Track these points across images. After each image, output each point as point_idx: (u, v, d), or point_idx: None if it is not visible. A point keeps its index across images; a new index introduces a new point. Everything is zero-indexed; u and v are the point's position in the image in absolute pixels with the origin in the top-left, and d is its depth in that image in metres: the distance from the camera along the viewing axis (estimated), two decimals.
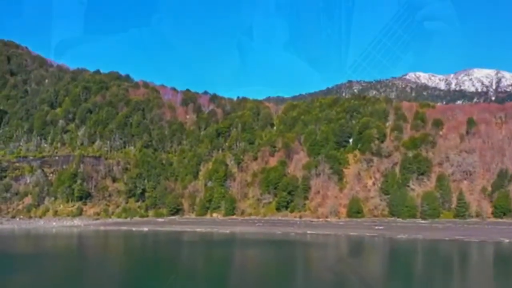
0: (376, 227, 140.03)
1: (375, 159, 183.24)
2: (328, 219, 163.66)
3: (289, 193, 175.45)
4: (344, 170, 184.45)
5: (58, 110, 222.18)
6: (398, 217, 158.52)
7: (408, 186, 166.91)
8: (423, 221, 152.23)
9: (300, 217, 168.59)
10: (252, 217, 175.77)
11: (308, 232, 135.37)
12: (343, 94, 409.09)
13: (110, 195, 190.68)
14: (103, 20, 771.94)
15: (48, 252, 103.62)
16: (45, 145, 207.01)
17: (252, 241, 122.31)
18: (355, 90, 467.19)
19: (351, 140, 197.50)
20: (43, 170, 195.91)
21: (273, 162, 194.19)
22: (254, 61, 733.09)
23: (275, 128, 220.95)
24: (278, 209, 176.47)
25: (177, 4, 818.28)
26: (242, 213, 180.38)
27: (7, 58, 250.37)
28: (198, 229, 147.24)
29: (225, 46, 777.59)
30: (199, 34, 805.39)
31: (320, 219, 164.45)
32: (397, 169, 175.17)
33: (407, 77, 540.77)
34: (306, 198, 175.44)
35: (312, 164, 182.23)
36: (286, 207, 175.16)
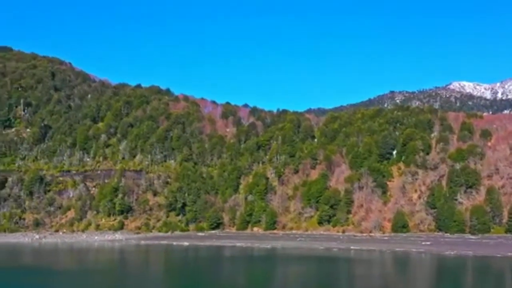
0: (423, 243, 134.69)
1: (420, 171, 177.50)
2: (372, 234, 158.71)
3: (331, 206, 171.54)
4: (388, 183, 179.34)
5: (100, 124, 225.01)
6: (445, 232, 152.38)
7: (456, 199, 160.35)
8: (472, 237, 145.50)
9: (343, 231, 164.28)
10: (293, 231, 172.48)
11: (352, 247, 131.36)
12: (385, 105, 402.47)
13: (151, 209, 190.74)
14: (143, 35, 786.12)
15: (90, 267, 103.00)
16: (88, 159, 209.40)
17: (293, 256, 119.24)
18: (397, 101, 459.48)
19: (394, 152, 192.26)
20: (85, 184, 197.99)
21: (314, 175, 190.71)
22: (294, 73, 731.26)
23: (316, 140, 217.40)
24: (320, 223, 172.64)
25: (217, 19, 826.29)
26: (283, 227, 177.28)
27: (51, 74, 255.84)
28: (239, 244, 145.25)
29: (264, 58, 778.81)
30: (238, 48, 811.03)
31: (364, 234, 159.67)
32: (443, 182, 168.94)
33: (451, 86, 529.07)
34: (349, 212, 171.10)
35: (355, 177, 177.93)
36: (328, 221, 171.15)
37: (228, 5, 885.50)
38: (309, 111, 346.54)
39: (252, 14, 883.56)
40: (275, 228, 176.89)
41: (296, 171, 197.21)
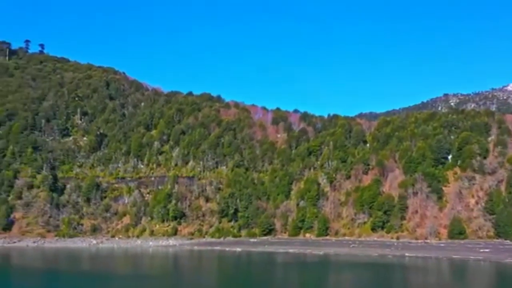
0: (481, 250, 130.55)
1: (477, 176, 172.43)
2: (428, 241, 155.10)
3: (384, 212, 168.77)
4: (444, 188, 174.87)
5: (153, 132, 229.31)
6: (505, 239, 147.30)
7: None
8: None
9: (397, 238, 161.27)
10: (346, 237, 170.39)
11: (406, 254, 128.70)
12: (439, 108, 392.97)
13: (203, 215, 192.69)
14: (194, 44, 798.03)
15: (145, 273, 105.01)
16: (142, 166, 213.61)
17: (347, 263, 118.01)
18: (452, 104, 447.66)
19: (450, 157, 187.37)
20: (140, 190, 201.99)
21: (367, 180, 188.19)
22: (344, 77, 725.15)
23: (368, 145, 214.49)
24: (373, 229, 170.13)
25: (268, 25, 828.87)
26: (336, 233, 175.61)
27: (106, 83, 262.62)
28: (291, 250, 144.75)
29: (314, 63, 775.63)
30: (288, 53, 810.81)
31: (419, 241, 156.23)
32: (502, 187, 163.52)
33: (509, 87, 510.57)
34: (403, 218, 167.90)
35: (409, 182, 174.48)
36: (382, 228, 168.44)
37: (278, 10, 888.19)
38: (360, 115, 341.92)
39: (299, 19, 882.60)
40: (327, 234, 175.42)
41: (348, 177, 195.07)
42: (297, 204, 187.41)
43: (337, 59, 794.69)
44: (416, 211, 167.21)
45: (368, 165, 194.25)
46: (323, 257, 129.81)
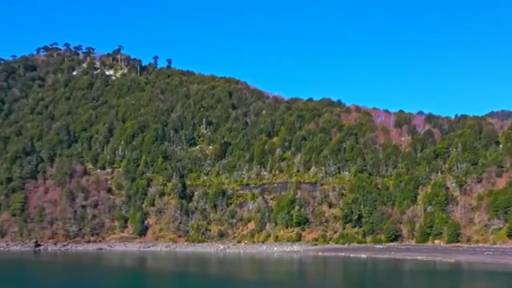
0: None
1: None
2: None
3: None
4: None
5: (275, 139, 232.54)
6: None
7: None
8: None
9: None
10: (480, 244, 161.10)
11: None
12: None
13: (327, 221, 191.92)
14: (313, 51, 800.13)
15: (271, 278, 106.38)
16: (265, 172, 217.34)
17: (481, 272, 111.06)
18: None
19: None
20: (263, 197, 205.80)
21: (501, 183, 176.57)
22: (471, 75, 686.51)
23: (501, 146, 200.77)
24: (509, 236, 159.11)
25: (387, 31, 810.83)
26: (468, 240, 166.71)
27: (229, 93, 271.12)
28: (419, 257, 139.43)
29: (436, 62, 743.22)
30: (408, 54, 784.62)
31: None
32: None
33: None
34: None
35: None
36: None
37: (402, 16, 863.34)
38: (491, 114, 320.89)
39: (427, 19, 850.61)
40: (458, 241, 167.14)
41: (480, 180, 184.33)
42: (425, 209, 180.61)
43: (462, 56, 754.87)
44: None
45: (502, 167, 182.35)
46: (454, 265, 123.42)
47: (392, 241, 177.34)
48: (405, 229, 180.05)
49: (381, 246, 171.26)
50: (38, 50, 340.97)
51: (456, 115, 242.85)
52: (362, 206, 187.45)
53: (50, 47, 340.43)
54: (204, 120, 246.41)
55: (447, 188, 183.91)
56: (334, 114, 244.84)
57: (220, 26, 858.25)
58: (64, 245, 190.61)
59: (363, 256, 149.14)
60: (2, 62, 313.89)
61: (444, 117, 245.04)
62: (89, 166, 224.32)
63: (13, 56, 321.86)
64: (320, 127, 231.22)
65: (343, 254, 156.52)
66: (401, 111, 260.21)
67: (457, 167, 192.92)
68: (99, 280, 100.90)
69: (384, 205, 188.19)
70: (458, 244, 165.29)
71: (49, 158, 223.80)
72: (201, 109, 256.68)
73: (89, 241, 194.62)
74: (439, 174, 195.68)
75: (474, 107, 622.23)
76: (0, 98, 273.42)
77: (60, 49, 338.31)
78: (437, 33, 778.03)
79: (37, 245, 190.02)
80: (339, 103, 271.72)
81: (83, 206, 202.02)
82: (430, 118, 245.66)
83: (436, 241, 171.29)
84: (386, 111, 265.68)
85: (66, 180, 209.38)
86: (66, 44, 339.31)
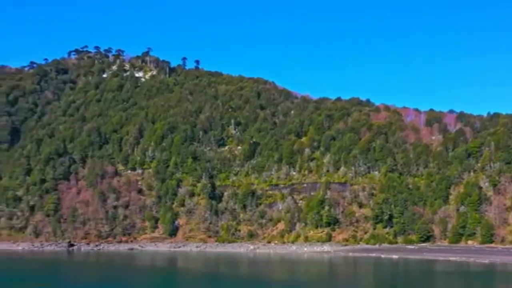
0: None
1: None
2: None
3: None
4: None
5: (303, 139, 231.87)
6: None
7: None
8: None
9: None
10: None
11: None
12: None
13: (357, 221, 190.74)
14: (340, 50, 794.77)
15: (302, 279, 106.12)
16: (294, 173, 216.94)
17: None
18: None
19: None
20: (293, 197, 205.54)
21: None
22: (504, 72, 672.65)
23: None
24: None
25: (408, 30, 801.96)
26: (502, 240, 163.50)
27: (257, 94, 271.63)
28: (452, 258, 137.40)
29: (469, 60, 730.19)
30: (439, 51, 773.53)
31: None
32: None
33: None
34: None
35: None
36: None
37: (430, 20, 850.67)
38: None
39: (456, 19, 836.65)
40: (492, 242, 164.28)
41: None
42: (457, 209, 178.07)
43: (495, 52, 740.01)
44: None
45: None
46: (489, 267, 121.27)
47: (424, 241, 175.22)
48: (437, 230, 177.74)
49: (412, 247, 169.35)
50: (69, 53, 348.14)
51: (489, 113, 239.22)
52: (392, 206, 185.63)
53: (81, 50, 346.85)
54: (232, 121, 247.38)
55: (480, 188, 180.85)
56: (363, 114, 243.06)
57: (248, 26, 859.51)
58: (96, 245, 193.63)
59: (395, 256, 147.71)
60: (35, 65, 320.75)
61: (476, 115, 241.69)
62: (120, 167, 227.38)
63: (45, 59, 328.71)
64: (349, 126, 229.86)
65: (374, 254, 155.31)
66: (431, 109, 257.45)
67: (490, 166, 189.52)
68: (131, 280, 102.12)
69: (415, 205, 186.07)
70: (492, 244, 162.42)
71: (81, 160, 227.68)
72: (230, 110, 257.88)
73: (120, 241, 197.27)
74: (471, 173, 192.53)
75: (507, 105, 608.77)
76: (33, 101, 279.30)
77: (90, 52, 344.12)
78: (469, 31, 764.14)
79: (71, 245, 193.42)
80: (368, 102, 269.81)
81: (115, 207, 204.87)
82: (461, 116, 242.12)
83: (469, 242, 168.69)
84: (416, 109, 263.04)
85: (97, 181, 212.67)
86: (96, 47, 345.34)
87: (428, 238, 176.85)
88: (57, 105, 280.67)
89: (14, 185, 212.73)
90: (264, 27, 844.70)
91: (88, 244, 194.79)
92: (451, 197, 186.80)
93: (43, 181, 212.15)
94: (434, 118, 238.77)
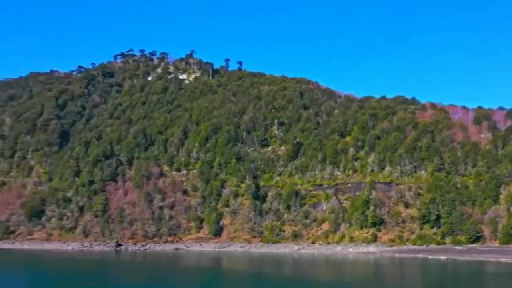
0: None
1: None
2: None
3: None
4: None
5: (347, 138, 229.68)
6: None
7: None
8: None
9: None
10: None
11: None
12: None
13: (403, 221, 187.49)
14: (385, 49, 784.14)
15: (347, 280, 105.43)
16: (338, 173, 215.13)
17: None
18: None
19: None
20: (337, 197, 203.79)
21: None
22: None
23: None
24: None
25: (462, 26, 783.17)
26: None
27: (300, 94, 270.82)
28: (503, 259, 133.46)
29: None
30: (488, 47, 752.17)
31: None
32: None
33: None
34: None
35: None
36: None
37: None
38: None
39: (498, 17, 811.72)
40: None
41: None
42: (508, 209, 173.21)
43: None
44: None
45: None
46: None
47: (473, 242, 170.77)
48: (487, 230, 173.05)
49: (461, 248, 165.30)
50: (115, 57, 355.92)
51: None
52: (440, 206, 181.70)
53: (126, 53, 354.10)
54: (276, 121, 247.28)
55: None
56: (408, 112, 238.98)
57: (290, 26, 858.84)
58: (143, 245, 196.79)
59: (442, 257, 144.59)
60: (82, 70, 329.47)
61: None
62: (165, 168, 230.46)
63: (93, 64, 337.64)
64: (394, 125, 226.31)
65: (421, 255, 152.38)
66: (480, 107, 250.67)
67: None
68: (177, 280, 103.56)
69: (463, 205, 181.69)
70: None
71: (127, 161, 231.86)
72: (273, 110, 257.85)
73: (166, 241, 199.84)
74: None
75: None
76: (81, 104, 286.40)
77: (135, 56, 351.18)
78: None
79: (118, 245, 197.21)
80: (413, 101, 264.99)
81: (161, 207, 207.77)
82: (511, 113, 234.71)
83: None
84: (464, 107, 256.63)
85: (143, 182, 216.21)
86: (141, 51, 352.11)
87: (477, 238, 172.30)
88: (104, 108, 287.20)
89: (64, 186, 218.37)
90: (307, 27, 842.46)
91: (135, 244, 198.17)
92: (501, 196, 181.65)
93: (91, 182, 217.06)
94: (482, 116, 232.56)
